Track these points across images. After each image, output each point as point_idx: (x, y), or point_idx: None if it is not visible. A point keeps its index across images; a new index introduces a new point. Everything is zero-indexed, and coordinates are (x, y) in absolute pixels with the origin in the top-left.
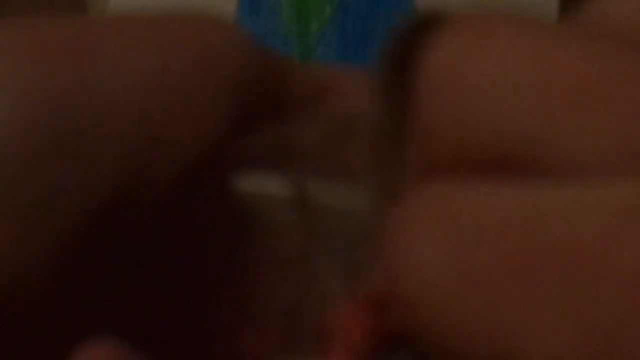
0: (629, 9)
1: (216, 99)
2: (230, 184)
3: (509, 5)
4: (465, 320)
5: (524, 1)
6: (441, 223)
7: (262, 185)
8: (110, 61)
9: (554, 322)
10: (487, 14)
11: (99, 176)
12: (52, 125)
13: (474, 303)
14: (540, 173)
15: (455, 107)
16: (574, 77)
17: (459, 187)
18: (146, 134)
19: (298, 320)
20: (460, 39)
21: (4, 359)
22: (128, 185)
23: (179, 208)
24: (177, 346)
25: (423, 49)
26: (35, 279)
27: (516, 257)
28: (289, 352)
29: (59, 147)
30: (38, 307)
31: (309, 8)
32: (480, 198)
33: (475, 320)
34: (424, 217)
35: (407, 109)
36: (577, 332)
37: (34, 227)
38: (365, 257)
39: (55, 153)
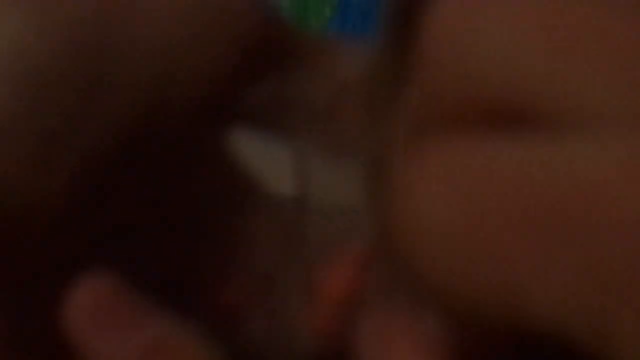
0: None
1: (225, 42)
2: (228, 142)
3: None
4: (474, 269)
5: None
6: (449, 176)
7: (263, 151)
8: (144, 2)
9: (557, 266)
10: None
11: (119, 104)
12: (74, 51)
13: (482, 251)
14: (544, 126)
15: (462, 59)
16: (580, 31)
17: (463, 140)
18: (165, 68)
19: (279, 285)
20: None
21: (11, 284)
22: (144, 116)
23: (186, 153)
24: (164, 292)
25: (426, 5)
26: (51, 205)
27: (522, 206)
28: (266, 311)
29: (81, 72)
30: (49, 233)
31: (309, 8)
32: (486, 151)
33: (483, 267)
34: (432, 171)
35: (406, 67)
36: (580, 276)
37: (54, 152)
38: (353, 228)
39: (78, 78)
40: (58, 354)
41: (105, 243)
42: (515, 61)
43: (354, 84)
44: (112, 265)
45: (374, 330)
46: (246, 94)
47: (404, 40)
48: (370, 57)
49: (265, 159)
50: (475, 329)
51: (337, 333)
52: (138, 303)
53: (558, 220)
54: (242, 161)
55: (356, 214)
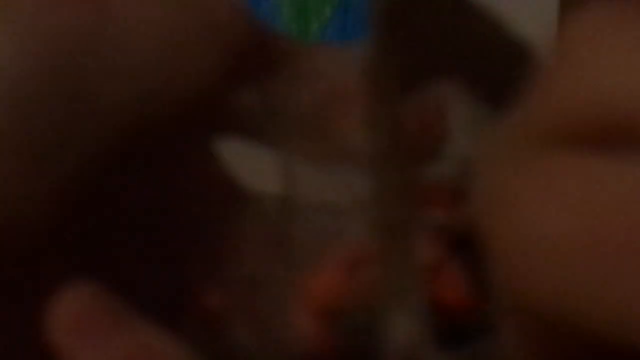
0: None
1: (211, 52)
2: (216, 149)
3: (509, 5)
4: (582, 285)
5: (525, 4)
6: (565, 191)
7: (250, 156)
8: (120, 12)
9: None
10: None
11: (104, 117)
12: (56, 67)
13: (594, 269)
14: None
15: (590, 77)
16: None
17: (581, 158)
18: (149, 80)
19: (265, 289)
20: (597, 16)
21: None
22: (130, 126)
23: (173, 159)
24: (147, 297)
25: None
26: (37, 217)
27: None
28: (252, 315)
29: (64, 88)
30: (37, 243)
31: (309, 8)
32: (605, 169)
33: (592, 284)
34: (547, 186)
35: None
36: None
37: (39, 168)
38: (341, 230)
39: (61, 93)
40: None
41: (91, 249)
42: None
43: (345, 89)
44: (97, 271)
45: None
46: (233, 101)
47: (397, 43)
48: (364, 61)
49: (252, 164)
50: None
51: (324, 338)
52: (120, 311)
53: None
54: (229, 167)
55: (344, 217)
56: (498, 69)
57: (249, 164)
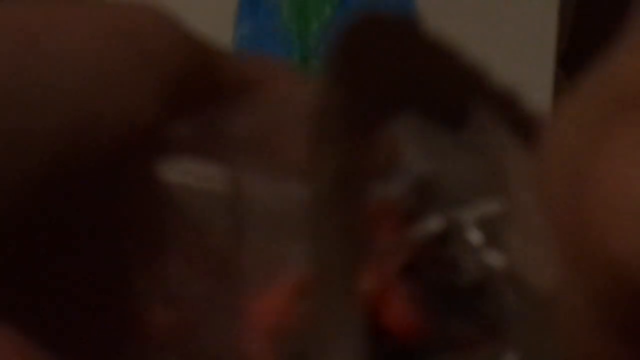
0: None
1: (148, 82)
2: (160, 172)
3: (509, 8)
4: None
5: (525, 4)
6: None
7: (194, 177)
8: (49, 45)
9: None
10: None
11: (32, 148)
12: None
13: None
14: None
15: None
16: None
17: None
18: (80, 115)
19: (211, 310)
20: None
21: None
22: (63, 157)
23: (107, 189)
24: (89, 321)
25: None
26: None
27: None
28: (199, 333)
29: None
30: None
31: (309, 8)
32: None
33: None
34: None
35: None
36: None
37: None
38: (291, 252)
39: None
40: None
41: (30, 274)
42: None
43: (299, 113)
44: (38, 296)
45: None
46: (179, 124)
47: (349, 74)
48: (316, 88)
49: (199, 186)
50: None
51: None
52: (34, 356)
53: None
54: (175, 188)
55: (293, 240)
56: (454, 96)
57: (195, 183)
